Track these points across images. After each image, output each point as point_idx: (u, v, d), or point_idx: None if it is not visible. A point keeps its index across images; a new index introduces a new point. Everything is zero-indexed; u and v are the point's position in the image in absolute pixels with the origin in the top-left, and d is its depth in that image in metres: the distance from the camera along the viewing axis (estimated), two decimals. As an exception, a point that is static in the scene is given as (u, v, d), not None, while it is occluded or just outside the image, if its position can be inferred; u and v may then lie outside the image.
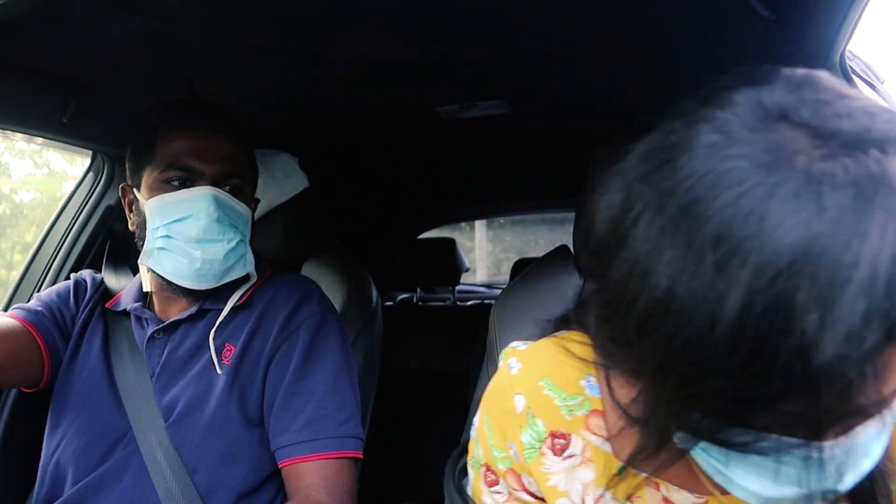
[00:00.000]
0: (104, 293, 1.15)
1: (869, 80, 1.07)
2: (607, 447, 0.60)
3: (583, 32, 1.00)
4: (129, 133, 1.07)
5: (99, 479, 0.97)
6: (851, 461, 0.42)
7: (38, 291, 1.20)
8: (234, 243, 1.02)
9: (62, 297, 1.12)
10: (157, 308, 1.10)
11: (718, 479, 0.47)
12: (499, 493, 0.66)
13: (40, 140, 1.28)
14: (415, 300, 2.78)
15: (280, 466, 0.99)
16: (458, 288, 2.65)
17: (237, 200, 1.04)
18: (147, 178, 1.02)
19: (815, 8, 0.87)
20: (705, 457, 0.46)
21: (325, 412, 1.00)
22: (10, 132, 1.19)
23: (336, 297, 1.39)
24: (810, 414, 0.37)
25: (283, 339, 1.04)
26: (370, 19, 0.93)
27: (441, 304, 2.81)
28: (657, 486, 0.58)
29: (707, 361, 0.37)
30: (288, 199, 1.43)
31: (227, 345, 1.04)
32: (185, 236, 0.99)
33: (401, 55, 1.07)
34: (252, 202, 1.11)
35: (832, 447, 0.40)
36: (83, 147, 1.41)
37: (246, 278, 1.10)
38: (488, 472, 0.67)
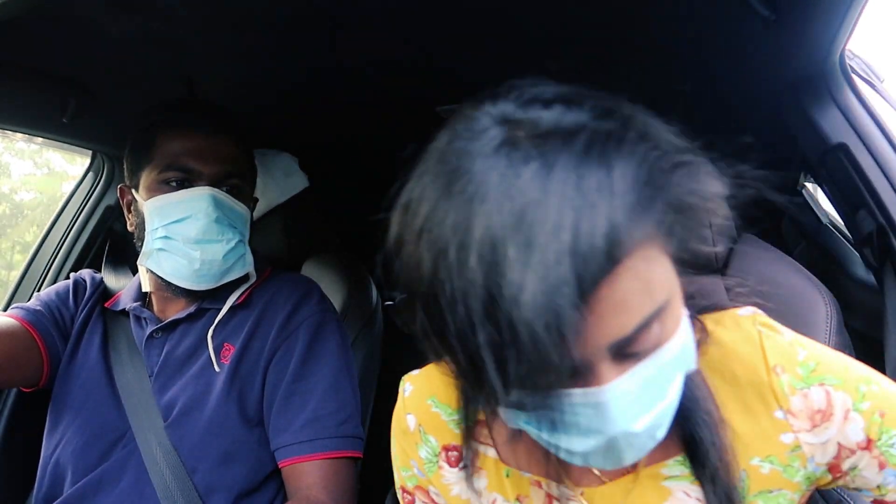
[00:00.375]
0: (103, 293, 1.15)
1: (868, 79, 1.07)
2: (493, 453, 0.65)
3: (582, 33, 1.00)
4: (128, 133, 1.07)
5: (98, 479, 0.97)
6: (639, 404, 0.47)
7: (38, 291, 1.20)
8: (233, 244, 1.02)
9: (61, 296, 1.12)
10: (155, 308, 1.09)
11: (554, 451, 0.52)
12: None
13: (40, 140, 1.28)
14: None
15: (280, 466, 0.99)
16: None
17: (236, 200, 1.04)
18: (145, 178, 1.02)
19: (814, 8, 0.87)
20: (535, 432, 0.51)
21: (324, 412, 1.00)
22: (10, 132, 1.19)
23: (336, 297, 1.39)
24: (559, 365, 0.41)
25: (283, 339, 1.04)
26: (370, 19, 0.93)
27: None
28: (539, 485, 0.63)
29: (459, 332, 0.42)
30: (288, 199, 1.43)
31: (226, 344, 1.04)
32: (184, 237, 0.98)
33: (401, 55, 1.07)
34: (251, 202, 1.11)
35: (606, 392, 0.45)
36: (83, 147, 1.41)
37: (245, 278, 1.10)
38: (405, 494, 0.73)
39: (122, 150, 1.08)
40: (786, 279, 1.05)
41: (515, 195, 0.41)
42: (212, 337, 1.03)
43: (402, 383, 0.72)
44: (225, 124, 1.06)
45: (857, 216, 1.07)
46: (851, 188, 1.00)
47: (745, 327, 0.61)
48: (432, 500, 0.70)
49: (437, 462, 0.68)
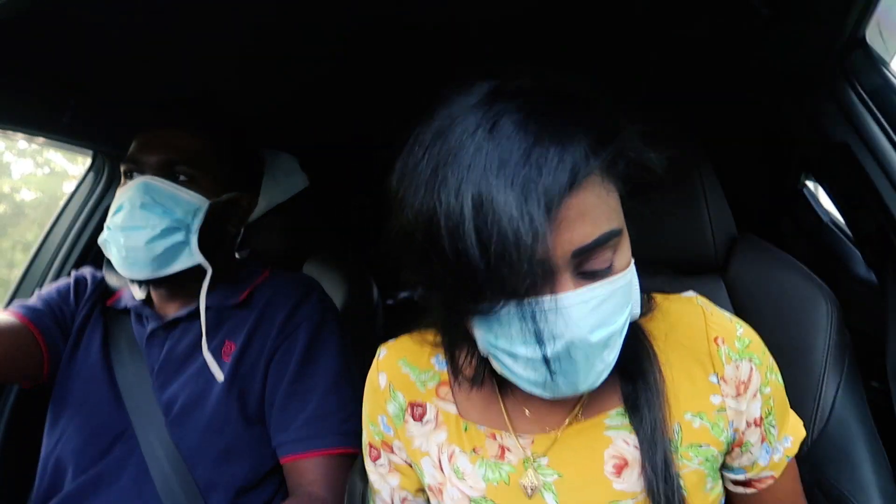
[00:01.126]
0: (104, 291, 1.16)
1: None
2: (453, 409, 0.74)
3: (582, 32, 1.00)
4: (129, 133, 1.07)
5: (98, 476, 0.98)
6: (595, 316, 0.56)
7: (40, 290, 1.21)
8: (158, 230, 0.98)
9: (62, 293, 1.12)
10: (156, 305, 1.10)
11: (507, 375, 0.62)
12: (381, 465, 0.80)
13: (41, 140, 1.28)
14: (415, 299, 2.78)
15: (281, 463, 1.00)
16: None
17: (180, 187, 1.01)
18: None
19: (815, 7, 0.87)
20: (501, 356, 0.60)
21: (326, 410, 1.01)
22: (10, 132, 1.19)
23: (336, 297, 1.39)
24: (534, 265, 0.51)
25: (284, 338, 1.04)
26: (371, 19, 0.93)
27: (442, 303, 2.80)
28: (494, 437, 0.71)
29: (452, 246, 0.52)
30: (288, 198, 1.43)
31: (227, 342, 1.05)
32: (115, 226, 0.99)
33: (401, 55, 1.07)
34: (215, 194, 1.06)
35: (569, 298, 0.54)
36: (83, 147, 1.41)
37: (247, 277, 1.10)
38: (371, 449, 0.80)
39: (123, 150, 1.09)
40: (786, 278, 1.05)
41: (498, 136, 0.53)
42: (208, 338, 1.03)
43: (378, 351, 0.81)
44: (182, 116, 1.05)
45: (858, 215, 1.07)
46: (852, 187, 1.00)
47: (692, 304, 0.73)
48: (395, 455, 0.78)
49: (404, 417, 0.76)
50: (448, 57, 1.09)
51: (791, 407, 0.77)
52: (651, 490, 0.64)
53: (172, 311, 1.08)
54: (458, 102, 0.57)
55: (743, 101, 1.28)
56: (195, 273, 1.04)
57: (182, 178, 1.02)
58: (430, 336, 0.77)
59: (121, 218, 0.98)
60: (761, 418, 0.69)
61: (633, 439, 0.67)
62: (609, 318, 0.57)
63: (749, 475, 0.72)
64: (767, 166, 1.41)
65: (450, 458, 0.73)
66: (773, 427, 0.70)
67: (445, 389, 0.75)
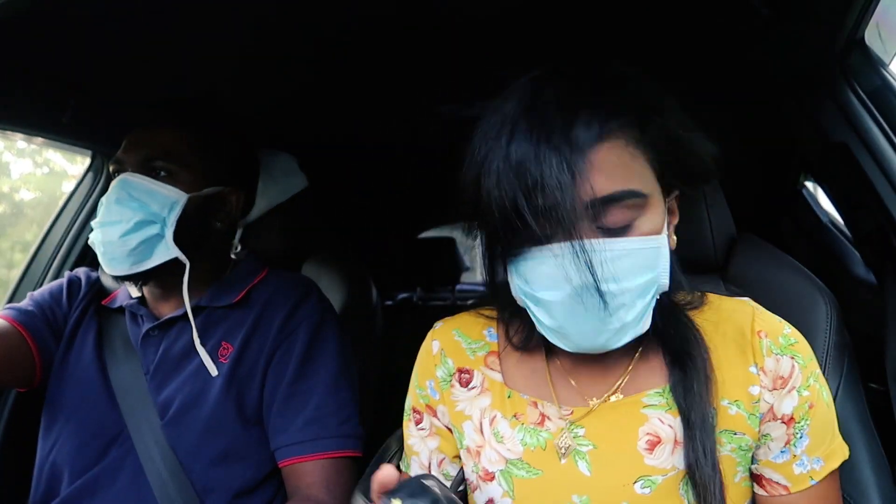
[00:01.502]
0: (99, 291, 1.15)
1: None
2: (499, 378, 0.79)
3: (583, 32, 1.00)
4: (127, 133, 1.07)
5: (94, 479, 0.97)
6: (610, 267, 0.61)
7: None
8: (132, 223, 0.97)
9: (55, 295, 1.11)
10: (150, 305, 1.09)
11: (538, 326, 0.69)
12: (422, 429, 0.84)
13: (40, 140, 1.28)
14: (415, 299, 2.78)
15: (280, 466, 0.99)
16: (458, 287, 2.65)
17: (156, 181, 1.01)
18: None
19: (814, 7, 0.87)
20: (533, 309, 0.67)
21: (325, 412, 1.00)
22: (9, 132, 1.19)
23: (336, 297, 1.39)
24: (565, 201, 0.59)
25: (282, 339, 1.04)
26: (370, 18, 0.93)
27: (441, 303, 2.80)
28: (535, 405, 0.76)
29: (498, 192, 0.62)
30: (288, 198, 1.43)
31: (224, 343, 1.03)
32: (95, 223, 0.99)
33: (401, 53, 1.07)
34: (195, 188, 1.04)
35: (587, 244, 0.60)
36: (83, 147, 1.41)
37: (244, 277, 1.10)
38: (415, 413, 0.85)
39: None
40: (786, 278, 1.05)
41: (538, 104, 0.63)
42: (202, 339, 1.02)
43: (434, 324, 0.88)
44: (163, 114, 1.06)
45: (857, 215, 1.07)
46: (851, 187, 1.00)
47: (744, 304, 0.77)
48: (437, 419, 0.83)
49: (451, 381, 0.81)
50: (447, 57, 1.09)
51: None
52: (693, 470, 0.66)
53: (167, 310, 1.07)
54: (514, 85, 0.67)
55: (742, 101, 1.28)
56: (180, 269, 1.02)
57: (162, 173, 1.02)
58: (487, 311, 0.85)
59: (99, 215, 0.99)
60: (792, 419, 0.69)
61: (668, 418, 0.70)
62: (624, 274, 0.62)
63: (759, 467, 0.73)
64: (767, 166, 1.41)
65: (491, 422, 0.77)
66: (804, 437, 0.70)
67: (493, 359, 0.81)
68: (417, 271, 2.58)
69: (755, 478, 0.74)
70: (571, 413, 0.74)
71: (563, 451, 0.72)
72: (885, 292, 0.95)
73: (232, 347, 1.03)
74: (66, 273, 1.18)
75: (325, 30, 0.96)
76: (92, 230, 1.01)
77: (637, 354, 0.74)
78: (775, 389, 0.69)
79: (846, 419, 0.89)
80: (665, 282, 0.66)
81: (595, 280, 0.60)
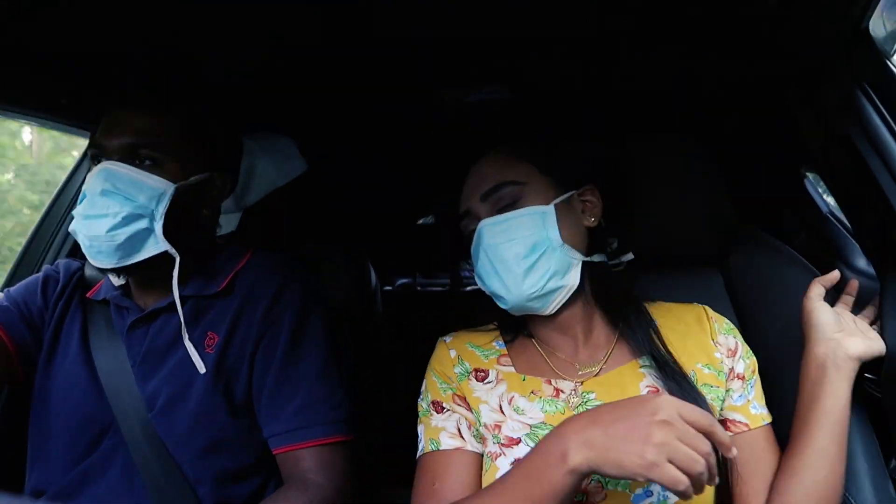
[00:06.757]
0: (80, 281, 1.12)
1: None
2: (512, 369, 0.96)
3: (582, 27, 0.99)
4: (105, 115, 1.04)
5: (85, 471, 0.97)
6: (504, 236, 0.92)
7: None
8: (119, 218, 0.94)
9: (30, 290, 1.09)
10: (135, 296, 1.07)
11: (497, 301, 0.96)
12: (447, 410, 0.94)
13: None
14: (414, 285, 2.78)
15: (274, 453, 0.99)
16: (463, 273, 2.65)
17: (143, 172, 0.97)
18: None
19: (820, -2, 0.86)
20: (482, 286, 0.97)
21: (316, 398, 1.00)
22: (8, 115, 1.18)
23: (334, 282, 1.39)
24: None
25: (268, 326, 1.02)
26: (373, 0, 0.92)
27: (440, 288, 2.81)
28: (549, 382, 0.92)
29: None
30: (287, 182, 1.42)
31: (209, 333, 1.02)
32: (78, 214, 0.96)
33: (403, 37, 1.06)
34: (182, 177, 1.01)
35: (483, 223, 0.94)
36: (81, 129, 1.40)
37: (227, 263, 1.08)
38: (435, 405, 0.95)
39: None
40: (785, 271, 1.05)
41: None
42: (188, 330, 1.01)
43: (442, 338, 1.04)
44: (145, 98, 1.01)
45: (859, 207, 1.06)
46: (854, 179, 1.00)
47: (695, 305, 1.00)
48: (460, 404, 0.94)
49: (468, 377, 0.96)
50: (450, 40, 1.08)
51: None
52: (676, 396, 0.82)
53: (152, 301, 1.05)
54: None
55: (746, 93, 1.27)
56: (167, 260, 0.99)
57: (147, 162, 0.98)
58: (491, 326, 1.05)
59: (83, 206, 0.95)
60: (744, 377, 0.92)
61: (661, 374, 0.89)
62: (518, 237, 0.90)
63: (724, 409, 0.91)
64: (770, 158, 1.40)
65: (510, 401, 0.91)
66: (752, 389, 0.92)
67: (505, 359, 0.98)
68: (417, 257, 2.57)
69: (722, 423, 0.90)
70: (581, 384, 0.91)
71: (576, 401, 0.89)
72: (884, 285, 0.95)
73: (218, 337, 1.01)
74: (44, 267, 1.15)
75: (328, 10, 0.95)
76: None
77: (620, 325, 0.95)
78: (729, 357, 0.93)
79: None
80: (555, 244, 0.90)
81: (498, 243, 0.91)
